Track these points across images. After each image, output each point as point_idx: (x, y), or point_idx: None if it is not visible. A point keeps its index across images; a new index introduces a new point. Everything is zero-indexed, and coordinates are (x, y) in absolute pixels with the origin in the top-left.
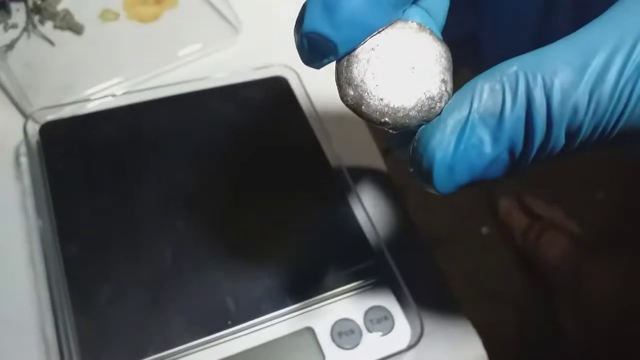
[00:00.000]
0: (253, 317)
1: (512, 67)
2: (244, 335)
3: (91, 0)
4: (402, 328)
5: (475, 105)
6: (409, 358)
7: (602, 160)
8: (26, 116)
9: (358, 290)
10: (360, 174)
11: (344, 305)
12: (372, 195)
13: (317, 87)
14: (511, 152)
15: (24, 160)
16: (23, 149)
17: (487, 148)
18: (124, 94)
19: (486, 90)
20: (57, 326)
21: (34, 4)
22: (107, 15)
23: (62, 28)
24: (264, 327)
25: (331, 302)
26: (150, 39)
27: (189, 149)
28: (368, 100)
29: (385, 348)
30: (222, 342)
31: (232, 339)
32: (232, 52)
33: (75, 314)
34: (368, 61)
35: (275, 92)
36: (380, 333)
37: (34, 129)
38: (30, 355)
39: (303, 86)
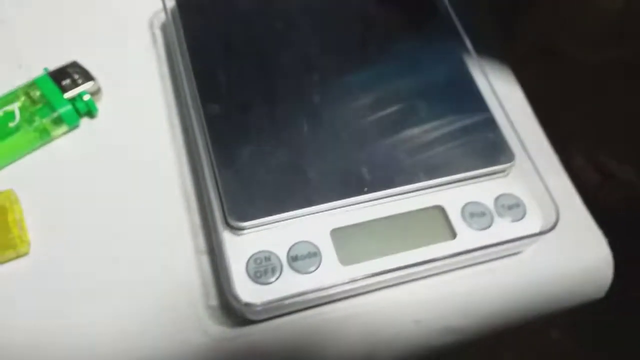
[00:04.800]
0: (387, 187)
1: None
2: (379, 204)
3: None
4: (534, 217)
5: None
6: (538, 246)
7: None
8: None
9: (490, 176)
10: (492, 67)
11: (475, 188)
12: (508, 95)
13: None
14: None
15: (157, 30)
16: (158, 18)
17: None
18: None
19: None
20: (197, 180)
21: None
22: None
23: None
24: (397, 199)
25: (462, 184)
26: None
27: (323, 24)
28: None
29: (517, 232)
30: (357, 208)
31: (367, 206)
32: None
33: (219, 169)
34: None
35: None
36: (511, 219)
37: None
38: (171, 204)
39: None
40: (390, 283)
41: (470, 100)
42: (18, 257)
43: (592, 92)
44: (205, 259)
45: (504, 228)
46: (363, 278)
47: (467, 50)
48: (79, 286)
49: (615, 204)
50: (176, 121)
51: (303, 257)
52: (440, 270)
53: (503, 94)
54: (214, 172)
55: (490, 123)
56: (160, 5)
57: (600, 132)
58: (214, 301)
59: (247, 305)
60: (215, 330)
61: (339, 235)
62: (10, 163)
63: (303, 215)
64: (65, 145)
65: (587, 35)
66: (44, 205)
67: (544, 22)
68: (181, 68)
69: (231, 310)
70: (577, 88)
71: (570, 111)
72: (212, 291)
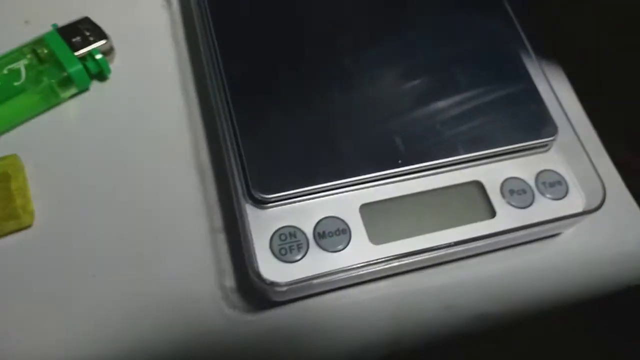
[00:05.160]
0: (422, 160)
1: None
2: (412, 178)
3: None
4: (577, 195)
5: None
6: (577, 227)
7: None
8: None
9: (531, 151)
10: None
11: (515, 163)
12: (550, 67)
13: None
14: None
15: None
16: None
17: None
18: None
19: None
20: (214, 151)
21: None
22: None
23: None
24: (432, 174)
25: (502, 159)
26: None
27: None
28: None
29: (560, 212)
30: (390, 182)
31: (400, 180)
32: None
33: (242, 137)
34: None
35: None
36: (552, 197)
37: None
38: (185, 177)
39: None
40: (423, 264)
41: (511, 68)
42: (20, 228)
43: (607, 81)
44: (221, 238)
45: (545, 207)
46: (395, 258)
47: (508, 17)
48: (84, 262)
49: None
50: (192, 86)
51: (331, 234)
52: (476, 252)
53: (546, 64)
54: (236, 141)
55: (532, 93)
56: None
57: (615, 121)
58: (231, 282)
59: (272, 284)
60: (233, 313)
61: (369, 211)
62: (15, 126)
63: (331, 189)
64: (74, 108)
65: (604, 21)
66: (49, 173)
67: (557, 7)
68: (200, 26)
69: (250, 292)
70: (590, 76)
71: (584, 99)
72: (230, 271)
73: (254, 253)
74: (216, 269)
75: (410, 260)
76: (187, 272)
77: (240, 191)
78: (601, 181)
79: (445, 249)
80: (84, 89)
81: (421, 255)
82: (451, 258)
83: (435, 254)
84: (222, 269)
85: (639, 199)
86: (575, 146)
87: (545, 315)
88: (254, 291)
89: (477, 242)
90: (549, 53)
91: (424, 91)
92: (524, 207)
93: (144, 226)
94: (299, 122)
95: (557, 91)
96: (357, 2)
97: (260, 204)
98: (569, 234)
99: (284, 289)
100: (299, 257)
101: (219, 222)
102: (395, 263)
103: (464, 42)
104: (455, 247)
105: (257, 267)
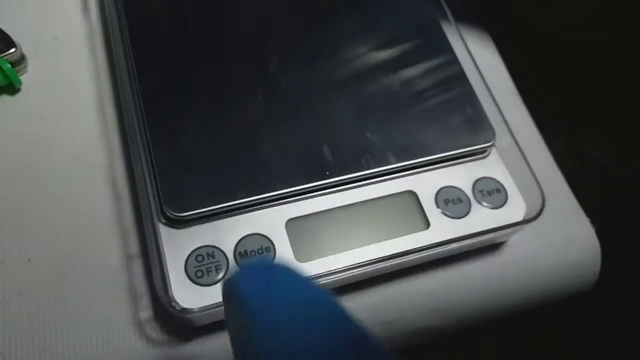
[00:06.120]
0: (352, 171)
1: None
2: (343, 189)
3: None
4: (516, 203)
5: None
6: (520, 236)
7: None
8: None
9: (467, 158)
10: (472, 36)
11: (451, 171)
12: (489, 67)
13: None
14: None
15: None
16: None
17: None
18: None
19: None
20: (130, 167)
21: None
22: None
23: None
24: (362, 185)
25: (437, 167)
26: None
27: None
28: None
29: (498, 221)
30: (317, 195)
31: (330, 192)
32: None
33: (155, 150)
34: None
35: None
36: (491, 206)
37: None
38: (99, 198)
39: None
40: (355, 280)
41: (447, 71)
42: None
43: (572, 74)
44: (138, 263)
45: (483, 216)
46: (322, 276)
47: (444, 15)
48: None
49: (592, 189)
50: (109, 99)
51: (253, 253)
52: (412, 265)
53: (483, 65)
54: (149, 155)
55: (468, 96)
56: None
57: (579, 115)
58: (148, 311)
59: (183, 311)
60: (149, 345)
61: (296, 226)
62: None
63: (254, 204)
64: None
65: (569, 14)
66: None
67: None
68: (116, 32)
69: (169, 321)
70: (556, 69)
71: (547, 93)
72: (147, 299)
73: (167, 277)
74: (132, 296)
75: (339, 277)
76: (99, 300)
77: (153, 209)
78: (539, 187)
79: (375, 264)
80: None
81: (350, 271)
82: (385, 272)
83: (366, 270)
84: (140, 294)
85: (584, 202)
86: (514, 151)
87: (490, 322)
88: (173, 320)
89: (411, 255)
90: (487, 49)
91: (352, 96)
92: (459, 217)
93: (53, 251)
94: (218, 134)
95: (495, 92)
96: (274, 8)
97: (175, 223)
98: (511, 242)
99: (198, 315)
100: (217, 279)
101: (135, 246)
102: (323, 281)
103: (394, 42)
104: (386, 261)
105: (170, 292)
